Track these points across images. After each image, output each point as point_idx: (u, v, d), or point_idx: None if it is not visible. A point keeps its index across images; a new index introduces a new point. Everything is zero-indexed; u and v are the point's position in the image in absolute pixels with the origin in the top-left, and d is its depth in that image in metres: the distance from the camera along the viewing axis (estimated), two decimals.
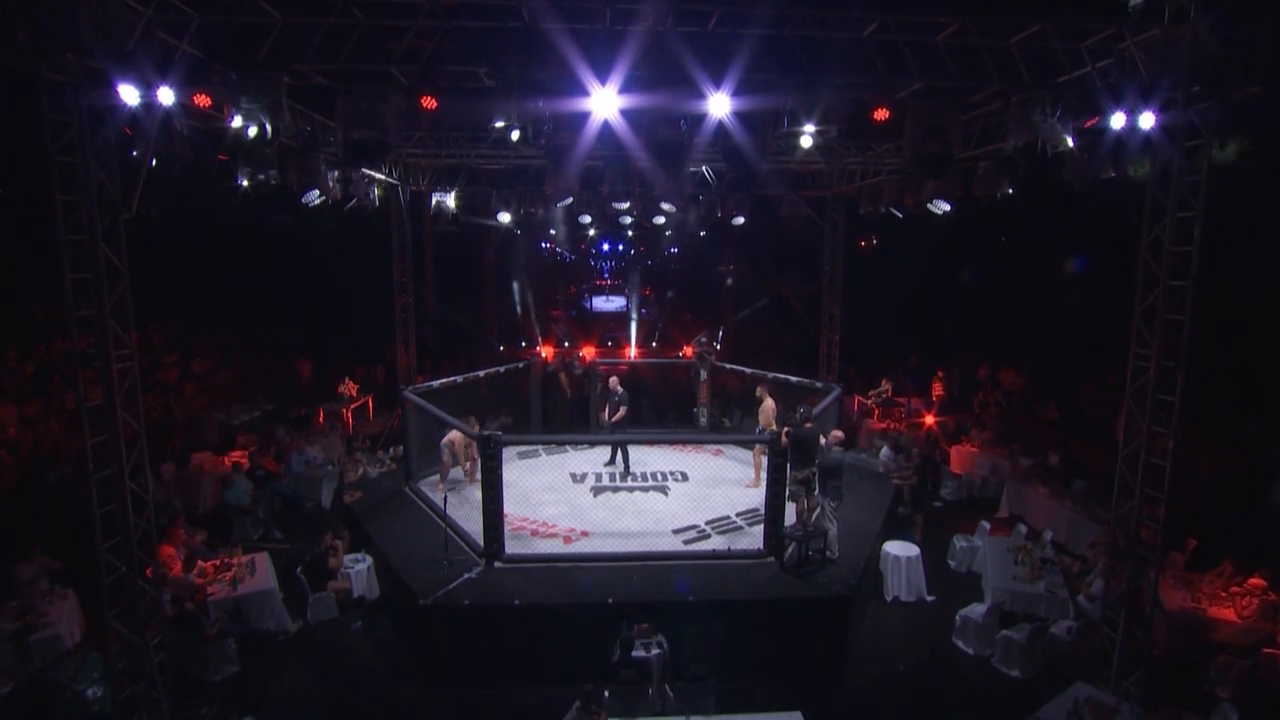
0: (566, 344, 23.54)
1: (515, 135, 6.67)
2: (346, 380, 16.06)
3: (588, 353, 20.49)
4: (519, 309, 25.08)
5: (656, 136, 6.65)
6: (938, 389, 17.41)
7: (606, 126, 6.62)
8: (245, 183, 8.95)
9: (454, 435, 10.61)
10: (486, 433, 8.69)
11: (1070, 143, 6.49)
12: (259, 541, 10.68)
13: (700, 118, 6.55)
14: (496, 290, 25.14)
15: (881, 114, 6.65)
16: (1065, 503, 11.22)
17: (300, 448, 12.48)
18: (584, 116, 6.47)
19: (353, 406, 15.96)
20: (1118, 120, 6.35)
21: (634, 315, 29.29)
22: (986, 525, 10.65)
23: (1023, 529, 10.53)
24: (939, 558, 10.58)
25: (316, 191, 9.82)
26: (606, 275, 38.46)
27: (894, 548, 9.72)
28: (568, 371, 14.47)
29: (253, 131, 5.90)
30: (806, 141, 6.61)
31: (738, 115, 6.60)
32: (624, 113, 6.47)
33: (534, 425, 13.66)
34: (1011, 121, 6.87)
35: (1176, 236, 6.55)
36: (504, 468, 11.72)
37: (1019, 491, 12.26)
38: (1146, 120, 6.21)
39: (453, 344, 22.39)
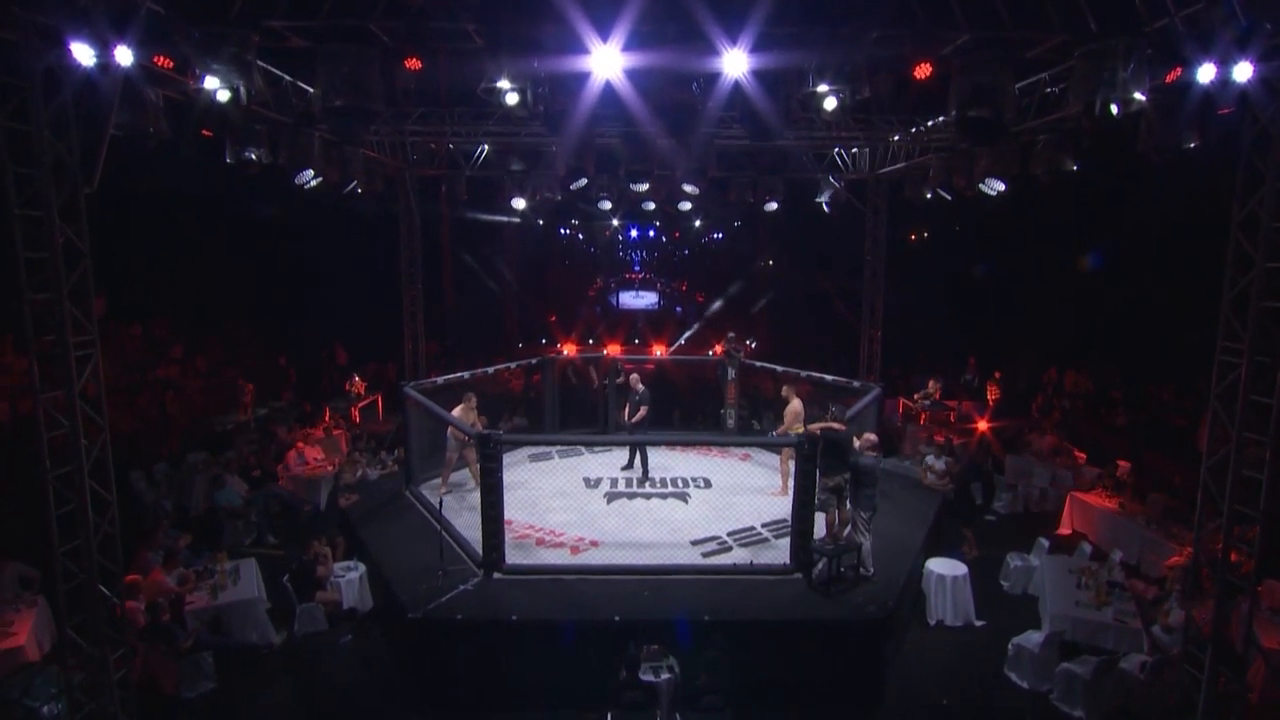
0: (591, 341, 23.25)
1: (512, 99, 6.28)
2: (354, 377, 15.92)
3: (611, 350, 20.12)
4: (541, 305, 24.85)
5: (665, 100, 6.20)
6: (993, 392, 16.59)
7: (610, 91, 6.21)
8: (231, 161, 8.82)
9: (457, 416, 10.30)
10: (486, 432, 8.33)
11: (1141, 98, 5.82)
12: (250, 546, 10.51)
13: (714, 78, 6.09)
14: (517, 285, 24.92)
15: (922, 71, 6.12)
16: (1137, 519, 10.41)
17: (300, 448, 12.31)
18: (584, 78, 6.06)
19: (360, 405, 15.81)
20: (1205, 73, 5.67)
21: (668, 313, 28.32)
22: (1045, 542, 9.94)
23: (1087, 548, 9.79)
24: (990, 577, 9.90)
25: (310, 172, 9.65)
26: (637, 267, 36.73)
27: (938, 565, 9.09)
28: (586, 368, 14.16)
29: (223, 97, 5.60)
30: (831, 103, 6.07)
31: (756, 75, 6.12)
32: (629, 74, 6.04)
33: (548, 426, 13.29)
34: (1075, 79, 6.24)
35: (1278, 209, 5.84)
36: (514, 470, 11.55)
37: (1083, 505, 11.49)
38: (1242, 72, 5.52)
39: (471, 341, 22.23)
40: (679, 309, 29.73)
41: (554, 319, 24.40)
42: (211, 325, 18.13)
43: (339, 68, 6.14)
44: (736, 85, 6.27)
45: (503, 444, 8.25)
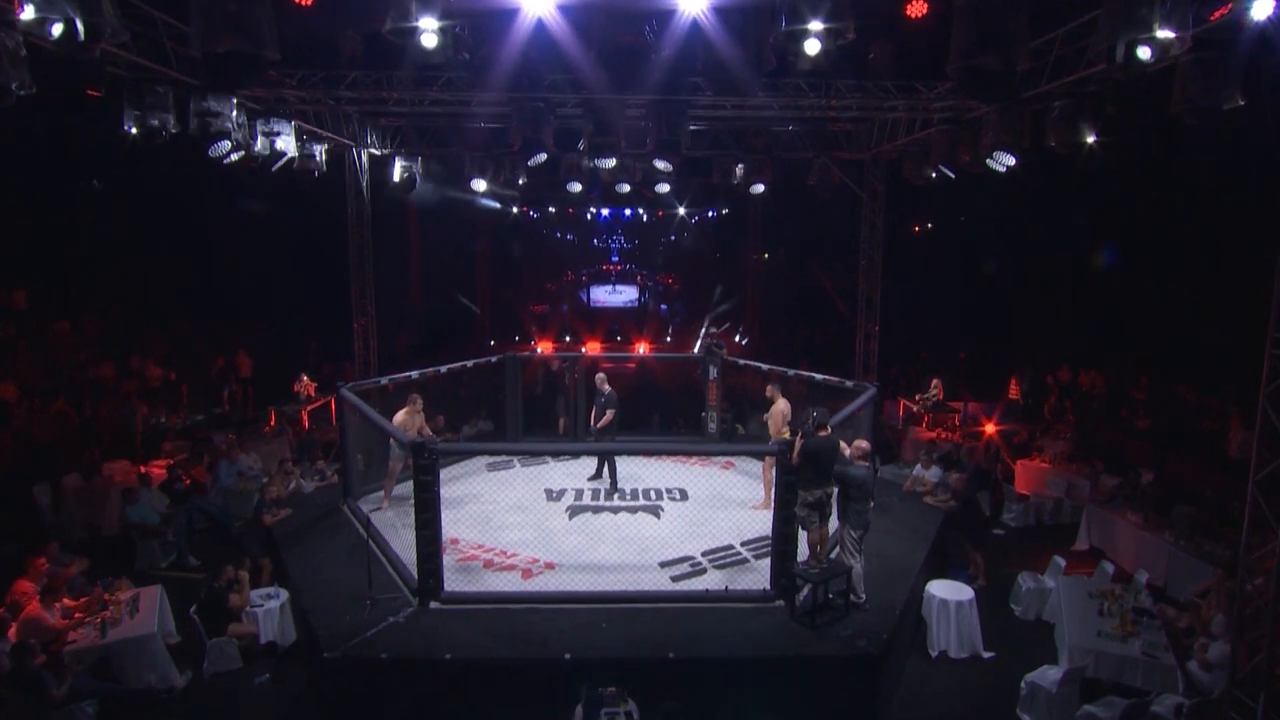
0: (568, 338, 22.45)
1: (430, 42, 5.45)
2: (303, 378, 15.05)
3: (591, 348, 19.30)
4: (514, 299, 23.98)
5: (611, 44, 5.38)
6: (1014, 389, 15.87)
7: (546, 34, 5.39)
8: (133, 129, 7.99)
9: (400, 420, 9.51)
10: (419, 441, 7.51)
11: (1171, 35, 5.02)
12: (168, 569, 9.66)
13: (668, 17, 5.27)
14: (489, 278, 24.00)
15: (917, 9, 5.32)
16: (1164, 534, 9.64)
17: (233, 456, 11.44)
18: (512, 16, 5.23)
19: (310, 408, 14.94)
20: (1262, 8, 4.88)
21: (651, 312, 26.74)
22: (1061, 561, 9.16)
23: (1108, 567, 9.02)
24: (999, 600, 9.16)
25: (227, 144, 8.80)
26: (615, 257, 33.61)
27: (941, 589, 8.31)
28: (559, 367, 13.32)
29: (57, 30, 4.75)
30: (813, 47, 5.25)
31: (719, 14, 5.30)
32: (565, 10, 5.21)
33: (510, 432, 12.46)
34: (1102, 21, 5.45)
35: None
36: (469, 481, 10.76)
37: (1102, 518, 10.73)
38: None
39: (440, 338, 21.40)
40: (664, 307, 27.95)
41: (521, 314, 23.47)
42: (152, 322, 17.23)
43: (221, 5, 5.31)
44: (698, 29, 5.45)
45: (439, 455, 7.43)
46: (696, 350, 13.23)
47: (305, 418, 14.84)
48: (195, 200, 16.18)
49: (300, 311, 18.62)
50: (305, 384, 15.07)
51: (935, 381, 15.52)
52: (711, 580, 8.02)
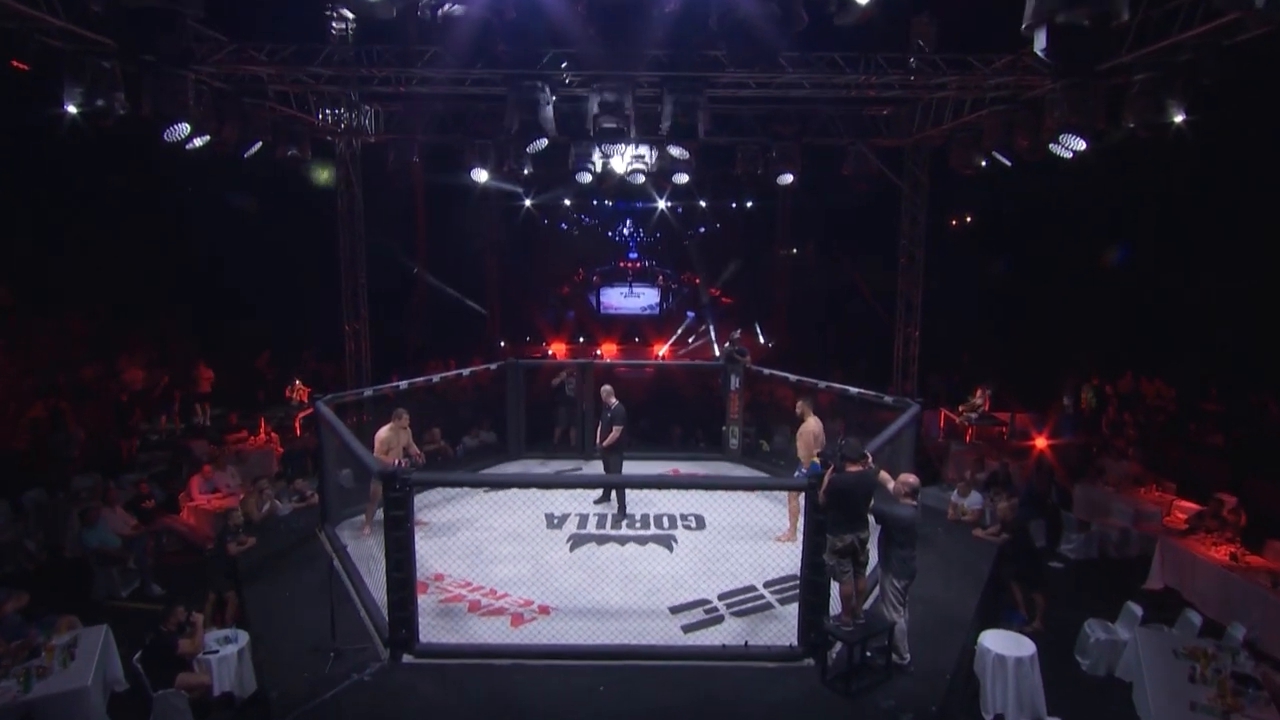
0: (581, 340, 21.53)
1: None
2: (295, 383, 14.29)
3: (606, 351, 18.37)
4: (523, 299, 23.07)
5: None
6: (1085, 397, 14.74)
7: None
8: (73, 108, 7.20)
9: (383, 438, 8.67)
10: (390, 469, 6.63)
11: None
12: (128, 600, 8.88)
13: None
14: (498, 275, 23.09)
15: None
16: (1259, 576, 8.43)
17: (207, 471, 10.66)
18: None
19: (303, 415, 14.17)
20: None
21: (675, 318, 24.62)
22: (1137, 611, 7.99)
23: (1194, 618, 7.84)
24: (1062, 650, 8.01)
25: (186, 127, 7.99)
26: (633, 253, 30.44)
27: (995, 641, 7.18)
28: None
29: None
30: None
31: None
32: None
33: (512, 448, 11.58)
34: None
35: None
36: (463, 503, 9.90)
37: (1177, 554, 9.51)
38: None
39: (448, 339, 20.59)
40: (690, 314, 25.21)
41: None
42: (145, 322, 16.55)
43: None
44: None
45: (413, 486, 6.54)
46: (718, 356, 12.27)
47: (298, 426, 14.07)
48: (180, 190, 15.42)
49: (297, 314, 17.84)
50: (298, 389, 14.31)
51: (980, 390, 14.35)
52: (729, 630, 7.07)
